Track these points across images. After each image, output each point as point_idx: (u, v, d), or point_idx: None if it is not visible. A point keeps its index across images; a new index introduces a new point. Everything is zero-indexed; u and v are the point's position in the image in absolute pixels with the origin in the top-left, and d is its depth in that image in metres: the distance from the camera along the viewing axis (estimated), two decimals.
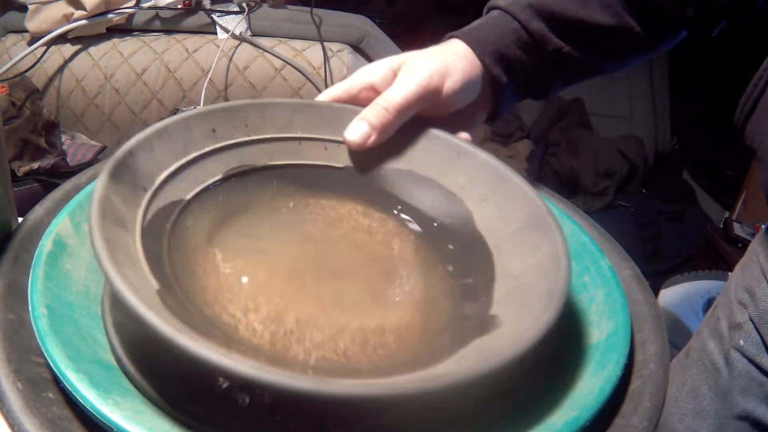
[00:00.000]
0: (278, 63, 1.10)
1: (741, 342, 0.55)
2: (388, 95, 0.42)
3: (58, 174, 0.90)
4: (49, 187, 0.73)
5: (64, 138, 1.02)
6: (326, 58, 1.10)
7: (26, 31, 1.09)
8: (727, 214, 1.70)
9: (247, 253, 0.38)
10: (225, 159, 0.40)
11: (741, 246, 1.38)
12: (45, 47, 1.07)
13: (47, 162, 0.91)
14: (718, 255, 1.45)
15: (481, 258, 0.37)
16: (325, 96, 0.45)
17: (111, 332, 0.33)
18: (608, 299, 0.37)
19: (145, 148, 0.36)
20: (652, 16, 0.48)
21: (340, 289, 0.36)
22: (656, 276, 1.45)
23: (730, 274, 0.64)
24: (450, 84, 0.43)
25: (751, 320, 0.54)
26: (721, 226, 1.51)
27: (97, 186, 0.32)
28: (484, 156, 0.41)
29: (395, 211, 0.42)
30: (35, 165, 0.89)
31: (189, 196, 0.38)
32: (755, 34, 0.91)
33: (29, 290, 0.33)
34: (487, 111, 0.49)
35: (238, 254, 0.37)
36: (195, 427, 0.28)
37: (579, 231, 0.43)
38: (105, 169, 0.33)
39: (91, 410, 0.27)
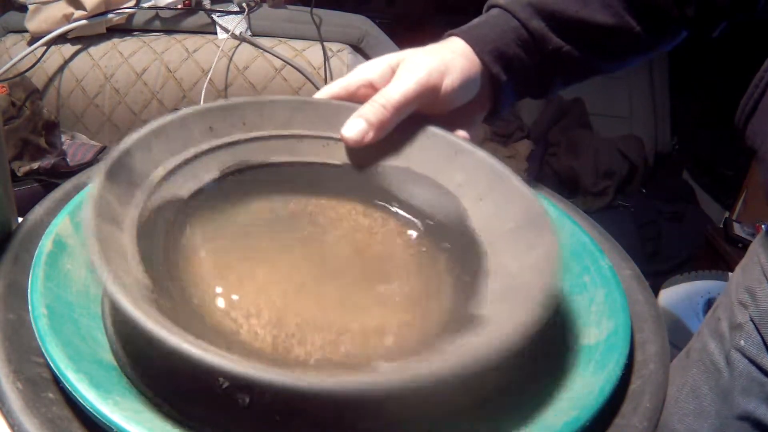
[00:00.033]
0: (278, 63, 1.10)
1: (742, 342, 0.55)
2: (386, 92, 0.42)
3: (58, 174, 0.90)
4: (49, 187, 0.73)
5: (64, 138, 1.02)
6: (326, 58, 1.10)
7: (26, 31, 1.09)
8: (727, 214, 1.70)
9: (245, 253, 0.37)
10: (222, 157, 0.40)
11: (741, 246, 1.38)
12: (45, 47, 1.07)
13: (47, 162, 0.91)
14: (718, 255, 1.44)
15: (477, 257, 0.37)
16: (324, 93, 0.44)
17: (111, 332, 0.33)
18: (608, 299, 0.37)
19: (142, 146, 0.36)
20: (652, 16, 0.47)
21: (339, 290, 0.36)
22: (656, 276, 1.45)
23: (730, 274, 0.64)
24: (448, 82, 0.43)
25: (751, 320, 0.54)
26: (721, 226, 1.51)
27: (92, 184, 0.32)
28: (481, 154, 0.41)
29: (393, 209, 0.42)
30: (35, 165, 0.89)
31: (186, 194, 0.38)
32: (755, 34, 0.91)
33: (29, 290, 0.33)
34: (486, 110, 0.49)
35: (235, 254, 0.37)
36: (195, 427, 0.28)
37: (579, 231, 0.43)
38: (101, 167, 0.33)
39: (91, 410, 0.27)
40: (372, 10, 2.05)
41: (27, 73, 1.06)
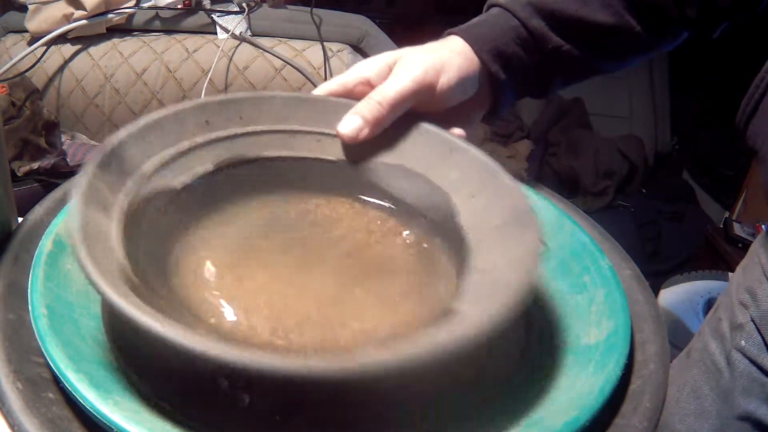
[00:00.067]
0: (278, 63, 1.10)
1: (742, 342, 0.55)
2: (382, 89, 0.42)
3: (58, 174, 0.90)
4: (49, 187, 0.73)
5: (64, 138, 1.02)
6: (326, 58, 1.10)
7: (26, 31, 1.09)
8: (727, 214, 1.70)
9: (236, 250, 0.37)
10: (217, 150, 0.40)
11: (741, 246, 1.38)
12: (45, 47, 1.07)
13: (47, 162, 0.91)
14: (718, 255, 1.44)
15: (463, 253, 0.37)
16: (321, 90, 0.45)
17: (110, 331, 0.33)
18: (608, 299, 0.37)
19: (137, 138, 0.36)
20: (653, 15, 0.47)
21: (338, 290, 0.36)
22: (656, 276, 1.45)
23: (731, 274, 0.64)
24: (445, 80, 0.43)
25: (752, 321, 0.54)
26: (721, 226, 1.51)
27: (84, 171, 0.32)
28: (475, 152, 0.41)
29: (386, 206, 0.42)
30: (35, 165, 0.89)
31: (179, 186, 0.38)
32: (756, 34, 0.91)
33: (29, 290, 0.33)
34: (485, 108, 0.49)
35: (227, 251, 0.37)
36: (195, 427, 0.28)
37: (579, 231, 0.43)
38: (94, 157, 0.33)
39: (91, 410, 0.27)
40: (372, 10, 2.05)
41: (27, 73, 1.06)
